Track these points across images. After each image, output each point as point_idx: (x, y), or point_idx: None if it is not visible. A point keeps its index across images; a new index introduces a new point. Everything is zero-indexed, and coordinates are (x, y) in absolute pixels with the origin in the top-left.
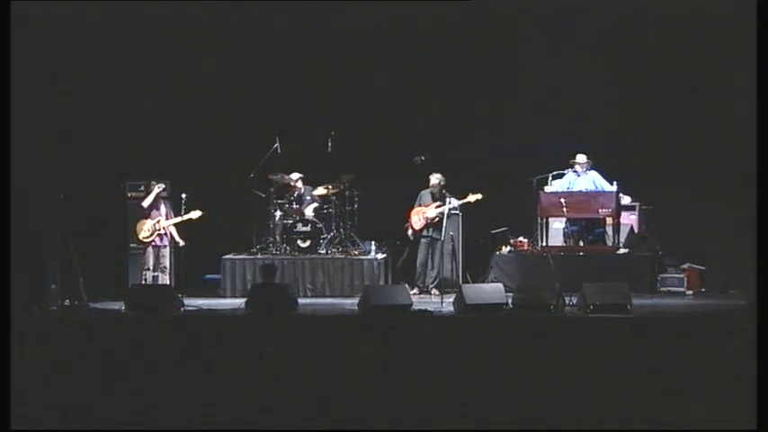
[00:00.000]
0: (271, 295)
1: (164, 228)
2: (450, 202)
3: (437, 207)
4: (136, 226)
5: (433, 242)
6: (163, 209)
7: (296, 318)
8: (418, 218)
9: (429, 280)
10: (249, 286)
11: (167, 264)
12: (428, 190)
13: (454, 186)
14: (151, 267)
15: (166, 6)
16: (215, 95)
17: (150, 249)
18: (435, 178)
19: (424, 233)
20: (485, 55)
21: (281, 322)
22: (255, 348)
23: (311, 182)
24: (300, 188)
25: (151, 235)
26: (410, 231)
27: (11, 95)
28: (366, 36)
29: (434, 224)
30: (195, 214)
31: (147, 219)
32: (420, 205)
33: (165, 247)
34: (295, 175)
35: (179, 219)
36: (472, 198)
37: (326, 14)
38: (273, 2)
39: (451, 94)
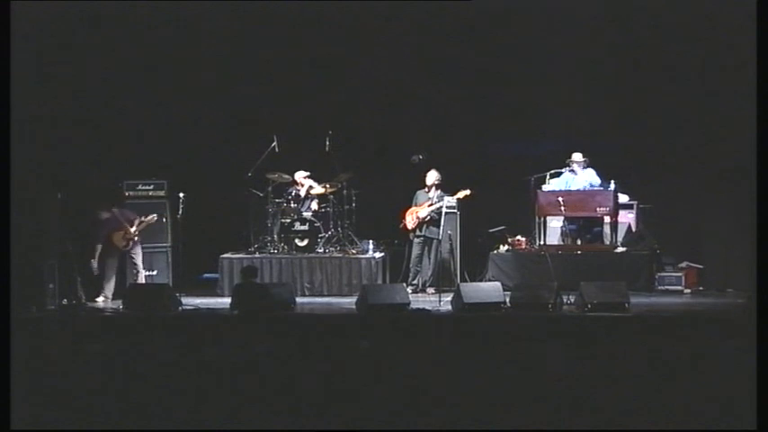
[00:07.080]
0: (252, 295)
1: (134, 233)
2: (443, 200)
3: (429, 206)
4: (113, 236)
5: (426, 241)
6: (127, 215)
7: (293, 317)
8: (411, 218)
9: (425, 279)
10: None
11: (141, 264)
12: (423, 189)
13: (454, 185)
14: (135, 272)
15: (166, 6)
16: (213, 94)
17: (127, 256)
18: (432, 176)
19: (418, 232)
20: (484, 54)
21: (266, 321)
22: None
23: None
24: (307, 186)
25: (127, 243)
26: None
27: (11, 95)
28: (365, 35)
29: (428, 223)
30: (152, 218)
31: (116, 231)
32: (415, 205)
33: (136, 252)
34: (301, 173)
35: (142, 224)
36: (461, 194)
37: (326, 13)
38: (273, 1)
39: (450, 93)
